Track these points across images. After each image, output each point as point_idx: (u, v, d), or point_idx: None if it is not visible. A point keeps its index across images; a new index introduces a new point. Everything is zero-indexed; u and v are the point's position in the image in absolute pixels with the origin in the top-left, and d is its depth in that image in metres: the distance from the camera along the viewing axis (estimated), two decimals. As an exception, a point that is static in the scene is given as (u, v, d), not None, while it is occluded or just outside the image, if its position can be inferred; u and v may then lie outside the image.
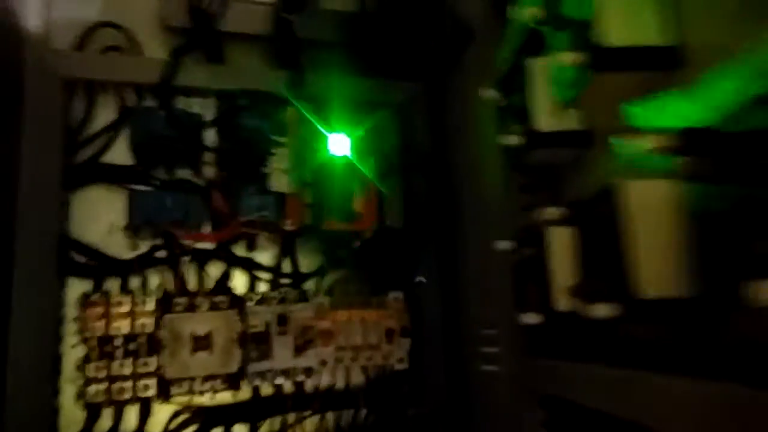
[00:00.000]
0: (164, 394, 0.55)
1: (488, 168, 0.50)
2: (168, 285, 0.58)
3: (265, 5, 0.64)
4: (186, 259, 0.59)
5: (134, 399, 0.54)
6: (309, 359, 0.58)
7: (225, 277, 0.60)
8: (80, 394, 0.54)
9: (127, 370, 0.54)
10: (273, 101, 0.62)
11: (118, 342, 0.55)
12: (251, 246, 0.62)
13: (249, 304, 0.58)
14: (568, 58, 0.31)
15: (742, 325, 0.24)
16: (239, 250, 0.62)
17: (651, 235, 0.26)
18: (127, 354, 0.55)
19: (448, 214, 0.64)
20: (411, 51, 0.64)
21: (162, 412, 0.57)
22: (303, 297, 0.60)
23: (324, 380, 0.61)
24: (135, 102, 0.60)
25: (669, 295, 0.25)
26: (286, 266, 0.63)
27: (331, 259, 0.63)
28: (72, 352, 0.55)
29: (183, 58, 0.61)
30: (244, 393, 0.58)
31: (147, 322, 0.55)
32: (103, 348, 0.54)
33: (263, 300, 0.59)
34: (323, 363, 0.59)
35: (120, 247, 0.59)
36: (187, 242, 0.58)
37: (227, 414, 0.58)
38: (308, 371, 0.58)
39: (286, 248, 0.63)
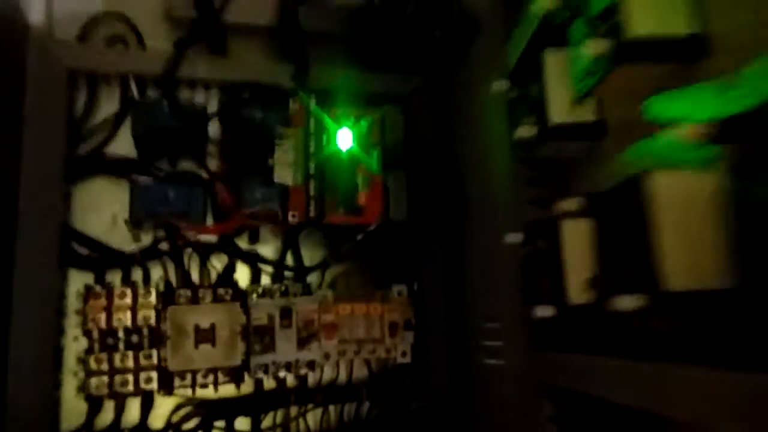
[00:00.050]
0: (167, 387, 0.54)
1: (495, 161, 0.49)
2: (170, 277, 0.58)
3: (269, -3, 0.64)
4: (188, 251, 0.59)
5: (136, 392, 0.54)
6: (312, 352, 0.58)
7: (228, 269, 0.60)
8: (82, 387, 0.53)
9: (129, 363, 0.54)
10: (277, 94, 0.62)
11: (120, 334, 0.54)
12: (254, 239, 0.62)
13: (252, 297, 0.58)
14: (591, 48, 0.30)
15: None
16: (242, 243, 0.62)
17: (680, 227, 0.26)
18: (129, 346, 0.54)
19: (453, 207, 0.63)
20: (416, 44, 0.64)
21: (164, 405, 0.57)
22: (306, 290, 0.59)
23: (327, 373, 0.61)
24: (138, 94, 0.60)
25: (699, 287, 0.25)
26: (289, 259, 0.63)
27: (335, 252, 0.63)
28: (73, 344, 0.55)
29: (186, 50, 0.60)
30: (247, 386, 0.58)
31: (149, 315, 0.55)
32: (105, 340, 0.54)
33: (266, 293, 0.58)
34: (326, 356, 0.59)
35: (122, 239, 0.59)
36: (189, 234, 0.58)
37: (229, 407, 0.58)
38: (311, 364, 0.58)
39: (289, 241, 0.63)
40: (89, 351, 0.53)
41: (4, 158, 0.55)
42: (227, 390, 0.57)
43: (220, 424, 0.58)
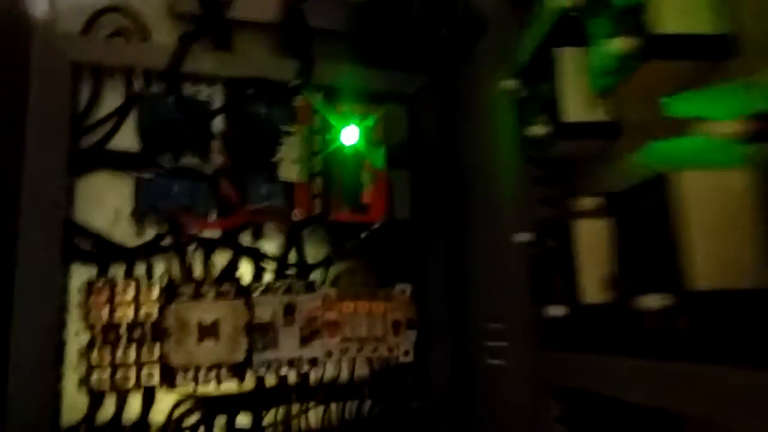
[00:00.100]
0: (169, 382, 0.54)
1: (502, 160, 0.49)
2: (173, 273, 0.58)
3: (275, -7, 0.64)
4: (192, 247, 0.59)
5: (138, 387, 0.54)
6: (315, 350, 0.58)
7: (231, 265, 0.60)
8: (83, 381, 0.53)
9: (131, 358, 0.54)
10: (281, 90, 0.61)
11: (122, 329, 0.54)
12: (257, 235, 0.62)
13: (255, 293, 0.57)
14: (618, 44, 0.30)
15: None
16: (245, 240, 0.61)
17: (708, 226, 0.25)
18: (131, 341, 0.54)
19: (457, 206, 0.63)
20: (422, 42, 0.64)
21: (165, 401, 0.57)
22: (309, 287, 0.59)
23: (329, 371, 0.61)
24: (142, 88, 0.60)
25: (727, 286, 0.25)
26: (292, 256, 0.63)
27: (338, 249, 0.63)
28: (75, 339, 0.55)
29: (191, 45, 0.60)
30: (248, 383, 0.58)
31: (152, 310, 0.55)
32: (107, 335, 0.54)
33: (268, 289, 0.58)
34: (329, 354, 0.58)
35: (125, 234, 0.58)
36: (193, 230, 0.58)
37: (231, 403, 0.58)
38: (314, 362, 0.58)
39: (293, 238, 0.63)
40: (91, 345, 0.53)
41: (7, 151, 0.54)
42: (229, 386, 0.57)
43: (221, 420, 0.58)
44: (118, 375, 0.53)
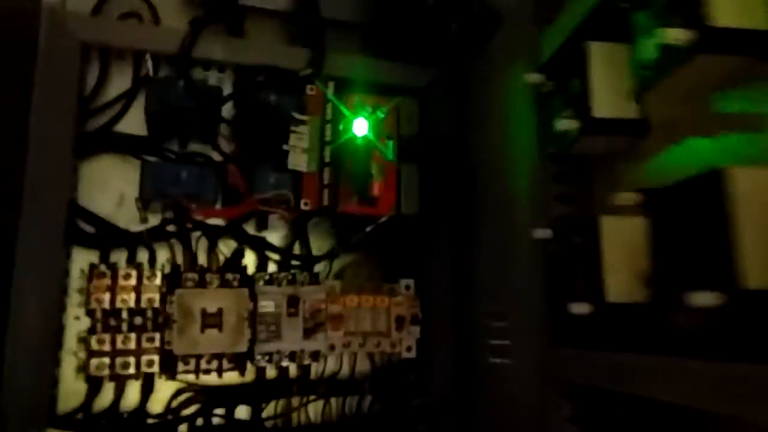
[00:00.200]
0: (170, 371, 0.53)
1: (517, 156, 0.49)
2: (177, 259, 0.57)
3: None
4: (196, 234, 0.58)
5: (137, 374, 0.53)
6: (318, 343, 0.57)
7: (237, 254, 0.59)
8: (82, 367, 0.52)
9: (132, 345, 0.53)
10: (292, 78, 0.61)
11: (123, 315, 0.53)
12: (262, 225, 0.61)
13: (259, 283, 0.57)
14: (672, 35, 0.29)
15: None
16: (249, 229, 0.61)
17: (760, 224, 0.25)
18: (131, 328, 0.53)
19: (465, 202, 0.63)
20: (434, 35, 0.63)
21: (164, 390, 0.56)
22: (314, 279, 0.58)
23: (331, 365, 0.60)
24: (150, 71, 0.59)
25: None
26: (297, 247, 0.62)
27: (343, 242, 0.62)
28: (75, 323, 0.54)
29: (202, 30, 0.59)
30: (249, 374, 0.57)
31: (154, 297, 0.54)
32: (107, 321, 0.53)
33: (272, 280, 0.57)
34: (331, 347, 0.58)
35: (129, 219, 0.57)
36: (199, 217, 0.57)
37: (231, 394, 0.57)
38: (316, 355, 0.57)
39: (298, 229, 0.62)
40: (91, 331, 0.52)
41: (13, 131, 0.53)
42: (229, 377, 0.56)
43: (219, 411, 0.57)
44: (118, 362, 0.52)
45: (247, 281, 0.57)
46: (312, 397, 0.60)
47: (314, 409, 0.60)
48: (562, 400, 0.41)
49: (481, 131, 0.60)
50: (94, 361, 0.52)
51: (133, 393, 0.55)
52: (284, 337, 0.56)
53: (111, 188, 0.58)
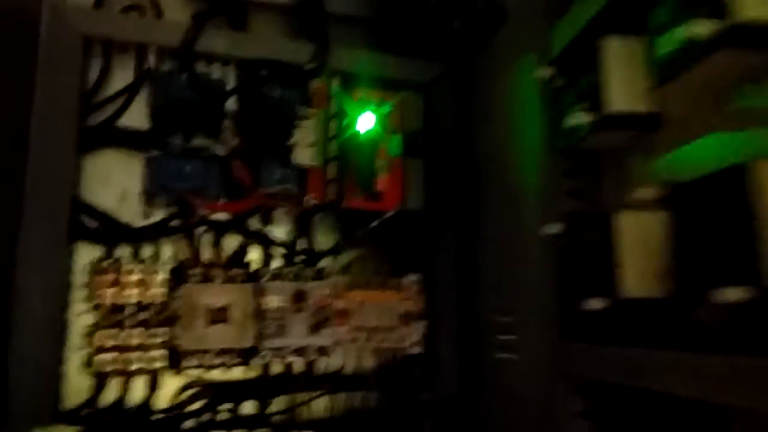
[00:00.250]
0: (176, 366, 0.53)
1: (525, 150, 0.49)
2: (182, 255, 0.57)
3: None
4: (201, 229, 0.58)
5: (142, 370, 0.52)
6: (324, 338, 0.57)
7: (242, 250, 0.58)
8: (87, 363, 0.52)
9: (136, 341, 0.53)
10: (296, 73, 0.60)
11: (128, 311, 0.53)
12: (266, 220, 0.61)
13: (264, 279, 0.56)
14: (695, 28, 0.28)
15: None
16: (254, 224, 0.60)
17: None
18: (136, 324, 0.53)
19: (470, 197, 0.63)
20: (439, 30, 0.63)
21: (170, 385, 0.55)
22: (319, 275, 0.58)
23: (337, 361, 0.60)
24: (153, 65, 0.58)
25: None
26: (301, 243, 0.62)
27: (348, 237, 0.62)
28: (79, 319, 0.54)
29: (205, 23, 0.59)
30: (255, 370, 0.57)
31: (159, 292, 0.54)
32: (112, 316, 0.52)
33: (278, 276, 0.57)
34: (338, 343, 0.58)
35: (133, 214, 0.57)
36: (204, 212, 0.57)
37: (237, 390, 0.57)
38: (322, 350, 0.57)
39: (303, 224, 0.61)
40: (96, 327, 0.52)
41: (15, 126, 0.53)
42: (234, 373, 0.56)
43: (226, 406, 0.56)
44: (123, 358, 0.52)
45: (253, 276, 0.56)
46: (318, 393, 0.59)
47: (321, 405, 0.60)
48: (574, 395, 0.41)
49: (486, 126, 0.60)
50: (98, 357, 0.51)
51: (138, 388, 0.54)
52: (290, 332, 0.56)
53: (114, 183, 0.57)
